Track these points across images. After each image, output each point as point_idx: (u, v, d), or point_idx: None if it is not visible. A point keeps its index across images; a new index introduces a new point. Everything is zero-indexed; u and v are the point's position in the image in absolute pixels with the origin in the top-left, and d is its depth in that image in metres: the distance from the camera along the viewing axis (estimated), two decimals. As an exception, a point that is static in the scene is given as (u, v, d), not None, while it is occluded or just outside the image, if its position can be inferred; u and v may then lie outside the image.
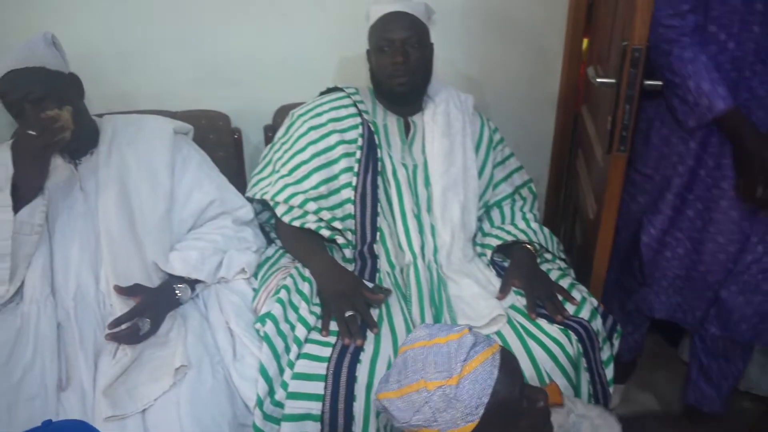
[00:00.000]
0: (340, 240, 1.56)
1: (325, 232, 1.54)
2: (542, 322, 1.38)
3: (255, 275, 1.53)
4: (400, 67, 1.54)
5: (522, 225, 1.62)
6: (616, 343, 1.50)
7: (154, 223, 1.45)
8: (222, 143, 1.78)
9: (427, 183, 1.60)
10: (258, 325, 1.34)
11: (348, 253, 1.57)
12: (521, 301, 1.44)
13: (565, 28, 2.01)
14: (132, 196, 1.45)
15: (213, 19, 1.84)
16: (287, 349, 1.31)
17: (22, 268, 1.36)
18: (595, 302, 1.47)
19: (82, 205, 1.44)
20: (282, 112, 1.84)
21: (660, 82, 1.44)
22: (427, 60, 1.60)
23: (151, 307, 1.35)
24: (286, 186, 1.55)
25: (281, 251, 1.61)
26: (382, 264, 1.55)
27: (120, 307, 1.35)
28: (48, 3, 1.75)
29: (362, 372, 1.26)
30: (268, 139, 1.86)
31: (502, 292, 1.46)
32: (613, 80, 1.40)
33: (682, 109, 1.45)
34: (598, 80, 1.45)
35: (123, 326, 1.30)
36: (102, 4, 1.77)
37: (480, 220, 1.67)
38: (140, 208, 1.45)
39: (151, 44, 1.83)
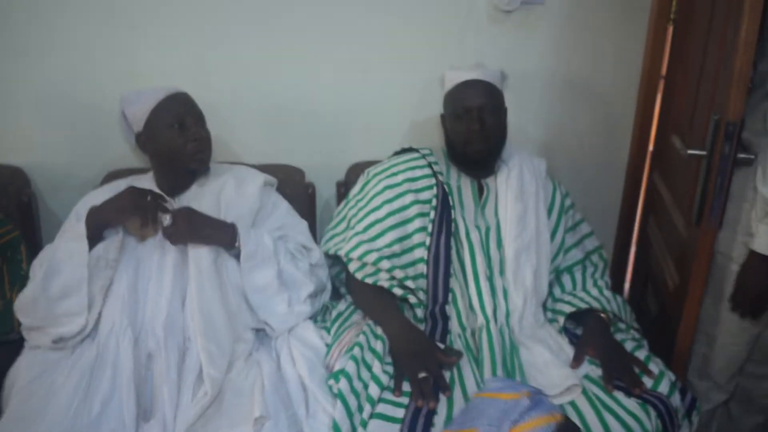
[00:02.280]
0: (412, 299, 1.56)
1: (398, 291, 1.55)
2: (619, 394, 1.34)
3: (327, 330, 1.54)
4: (476, 135, 1.57)
5: (594, 292, 1.60)
6: (695, 420, 1.44)
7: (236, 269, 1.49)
8: (296, 197, 1.82)
9: (500, 246, 1.60)
10: (332, 382, 1.34)
11: (419, 312, 1.57)
12: (596, 372, 1.40)
13: (637, 95, 2.02)
14: None
15: (292, 73, 1.91)
16: (360, 408, 1.30)
17: (98, 300, 1.41)
18: (673, 376, 1.42)
19: None
20: (355, 169, 1.88)
21: (752, 156, 1.42)
22: (502, 125, 1.63)
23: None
24: (360, 243, 1.57)
25: (353, 307, 1.62)
26: (453, 326, 1.54)
27: (199, 340, 1.37)
28: (130, 55, 1.85)
29: (436, 436, 1.25)
30: (341, 194, 1.90)
31: (576, 361, 1.43)
32: (703, 152, 1.39)
33: None
34: (689, 151, 1.44)
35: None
36: (183, 56, 1.86)
37: (550, 285, 1.65)
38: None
39: (229, 96, 1.91)
